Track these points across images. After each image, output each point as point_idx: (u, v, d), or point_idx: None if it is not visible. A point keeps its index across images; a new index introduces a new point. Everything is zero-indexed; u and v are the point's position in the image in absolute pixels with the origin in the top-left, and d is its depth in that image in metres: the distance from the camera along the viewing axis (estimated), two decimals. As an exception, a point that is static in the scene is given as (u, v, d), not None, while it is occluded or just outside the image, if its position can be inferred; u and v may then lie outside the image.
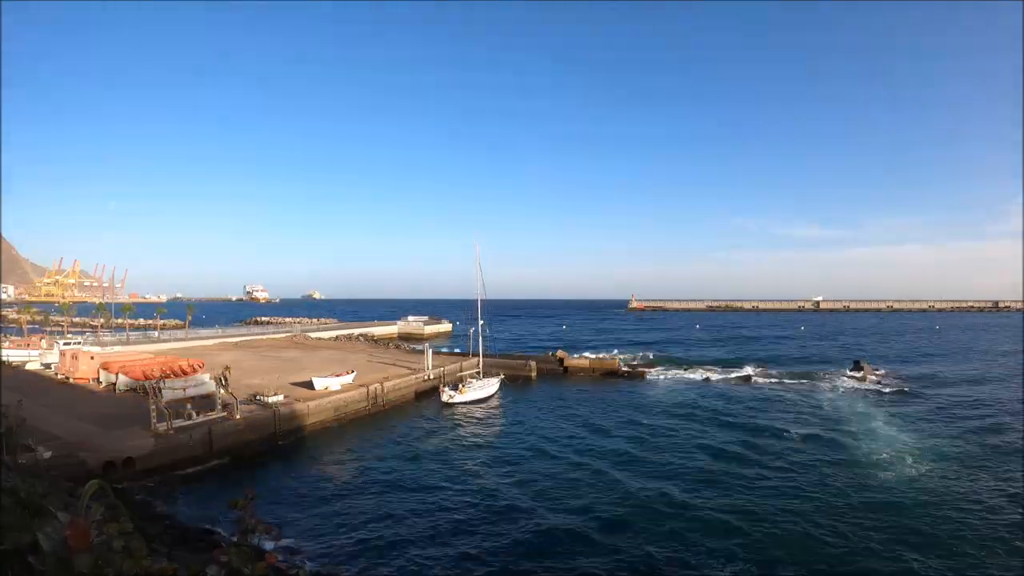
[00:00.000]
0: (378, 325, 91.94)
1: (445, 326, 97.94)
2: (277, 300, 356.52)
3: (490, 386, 38.80)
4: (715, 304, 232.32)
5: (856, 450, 25.45)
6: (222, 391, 25.62)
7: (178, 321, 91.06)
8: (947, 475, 22.00)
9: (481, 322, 43.99)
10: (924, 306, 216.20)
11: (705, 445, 26.58)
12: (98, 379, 33.45)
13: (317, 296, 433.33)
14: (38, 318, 79.19)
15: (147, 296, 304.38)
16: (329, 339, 70.92)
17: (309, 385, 32.61)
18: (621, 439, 27.75)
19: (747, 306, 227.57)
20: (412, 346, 65.69)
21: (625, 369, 49.92)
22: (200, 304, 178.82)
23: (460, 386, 36.79)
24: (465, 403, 35.52)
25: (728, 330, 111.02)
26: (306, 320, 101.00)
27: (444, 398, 35.27)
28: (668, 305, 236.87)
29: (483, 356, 43.47)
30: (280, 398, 28.69)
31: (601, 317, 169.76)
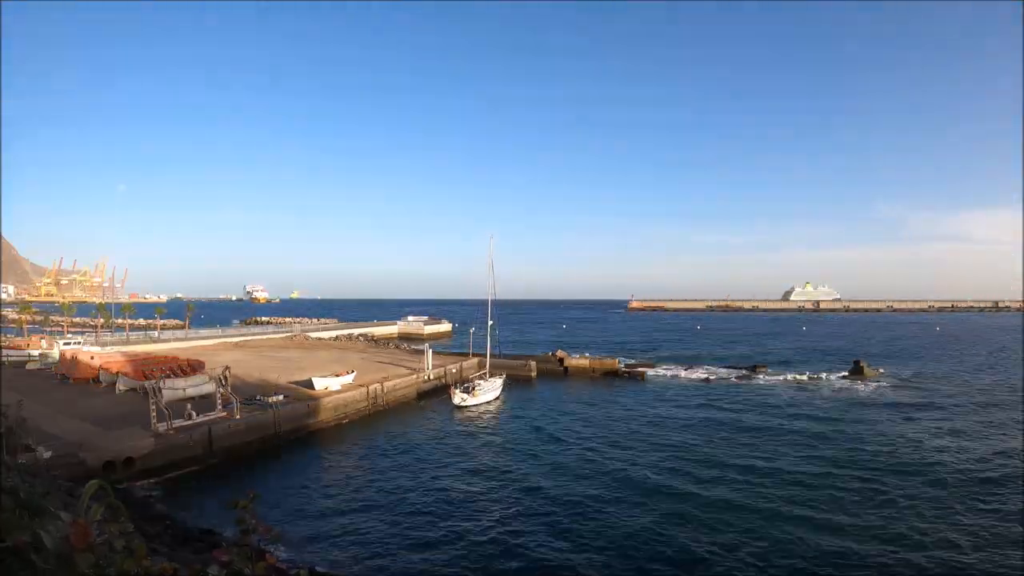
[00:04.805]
0: (378, 325, 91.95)
1: (445, 326, 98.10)
2: (277, 300, 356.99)
3: (496, 387, 38.26)
4: (715, 304, 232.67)
5: (857, 451, 25.44)
6: (222, 391, 25.64)
7: (178, 321, 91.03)
8: (949, 474, 21.98)
9: (491, 322, 42.90)
10: (924, 306, 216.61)
11: (706, 445, 26.56)
12: (98, 379, 33.45)
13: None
14: (38, 318, 79.25)
15: (147, 296, 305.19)
16: (329, 339, 70.95)
17: (309, 385, 32.60)
18: (624, 440, 27.73)
19: (747, 306, 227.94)
20: (412, 346, 65.69)
21: (625, 369, 49.94)
22: (200, 304, 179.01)
23: (472, 388, 35.40)
24: (476, 405, 34.46)
25: (727, 330, 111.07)
26: (306, 320, 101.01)
27: (456, 401, 33.87)
28: (667, 305, 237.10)
29: (489, 356, 42.72)
30: (280, 398, 28.70)
31: (600, 317, 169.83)
